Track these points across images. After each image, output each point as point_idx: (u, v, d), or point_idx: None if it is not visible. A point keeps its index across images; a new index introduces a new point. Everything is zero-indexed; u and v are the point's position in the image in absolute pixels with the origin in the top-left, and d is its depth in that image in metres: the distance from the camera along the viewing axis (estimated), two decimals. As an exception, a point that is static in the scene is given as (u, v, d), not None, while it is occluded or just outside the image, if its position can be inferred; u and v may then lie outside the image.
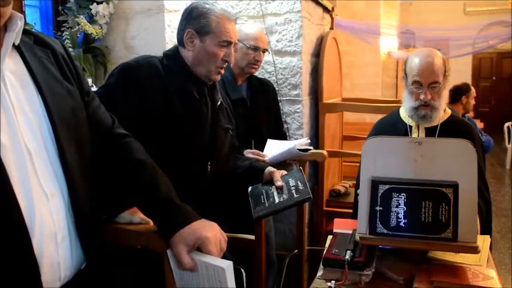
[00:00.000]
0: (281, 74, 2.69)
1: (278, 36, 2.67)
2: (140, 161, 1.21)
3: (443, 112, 1.92)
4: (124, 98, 1.50)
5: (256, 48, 2.26)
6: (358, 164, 1.53)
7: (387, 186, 1.34)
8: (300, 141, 2.18)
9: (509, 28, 4.47)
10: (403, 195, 1.33)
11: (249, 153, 2.02)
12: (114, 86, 1.54)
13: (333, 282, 1.33)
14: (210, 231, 1.09)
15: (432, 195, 1.31)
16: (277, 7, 2.64)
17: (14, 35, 0.93)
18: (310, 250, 2.44)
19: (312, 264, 2.44)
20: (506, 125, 7.27)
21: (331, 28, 3.19)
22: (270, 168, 1.72)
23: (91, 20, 2.34)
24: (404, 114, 2.01)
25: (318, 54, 2.91)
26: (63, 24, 2.37)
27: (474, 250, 1.28)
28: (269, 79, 2.63)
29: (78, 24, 2.28)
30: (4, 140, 0.86)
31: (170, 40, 2.33)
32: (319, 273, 1.41)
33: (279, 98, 2.62)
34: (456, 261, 1.40)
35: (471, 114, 4.76)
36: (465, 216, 1.29)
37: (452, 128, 1.90)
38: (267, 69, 2.70)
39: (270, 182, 1.67)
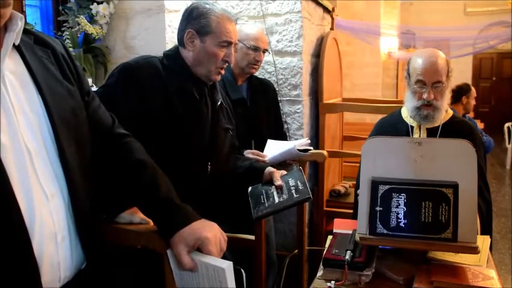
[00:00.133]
0: (281, 74, 2.69)
1: (278, 36, 2.67)
2: (140, 161, 1.21)
3: (445, 113, 1.92)
4: (124, 98, 1.50)
5: (256, 49, 2.26)
6: (358, 164, 1.53)
7: (387, 187, 1.34)
8: (300, 142, 2.18)
9: (509, 28, 4.47)
10: (403, 196, 1.33)
11: (249, 153, 2.02)
12: (114, 86, 1.54)
13: (333, 282, 1.33)
14: (210, 231, 1.09)
15: (432, 196, 1.31)
16: (278, 7, 2.65)
17: (14, 35, 0.93)
18: (310, 250, 2.44)
19: (312, 264, 2.44)
20: (506, 125, 7.27)
21: (332, 28, 3.19)
22: (269, 169, 1.72)
23: (91, 20, 2.34)
24: (406, 114, 2.01)
25: (318, 55, 2.92)
26: (64, 24, 2.37)
27: (474, 250, 1.28)
28: (269, 79, 2.63)
29: (79, 24, 2.28)
30: (4, 140, 0.86)
31: (170, 40, 2.33)
32: (319, 273, 1.41)
33: (279, 98, 2.62)
34: (456, 262, 1.40)
35: (471, 114, 4.75)
36: (465, 217, 1.29)
37: (454, 129, 1.90)
38: (267, 69, 2.70)
39: (270, 182, 1.67)
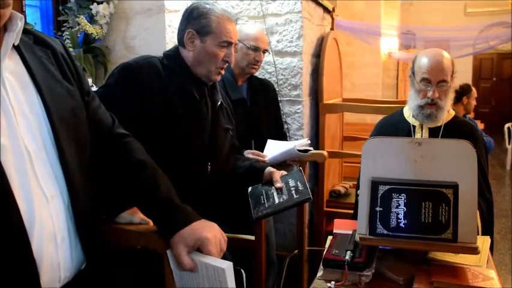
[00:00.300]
0: (281, 74, 2.69)
1: (278, 36, 2.67)
2: (140, 161, 1.21)
3: (447, 113, 1.93)
4: (124, 98, 1.50)
5: (256, 49, 2.26)
6: (358, 165, 1.53)
7: (387, 187, 1.34)
8: (300, 142, 2.18)
9: (509, 29, 4.46)
10: (403, 196, 1.33)
11: (249, 153, 2.02)
12: (114, 86, 1.54)
13: (333, 282, 1.33)
14: (210, 231, 1.09)
15: (432, 196, 1.31)
16: (278, 7, 2.65)
17: (14, 36, 0.92)
18: (310, 250, 2.44)
19: (312, 264, 2.44)
20: (506, 125, 7.27)
21: (332, 29, 3.19)
22: (269, 169, 1.72)
23: (91, 20, 2.34)
24: (408, 113, 2.01)
25: (318, 55, 2.91)
26: (64, 24, 2.37)
27: (474, 251, 1.28)
28: (269, 79, 2.63)
29: (79, 24, 2.28)
30: (4, 142, 0.86)
31: (170, 40, 2.33)
32: (319, 273, 1.40)
33: (279, 99, 2.62)
34: (456, 262, 1.40)
35: (472, 114, 4.75)
36: (465, 217, 1.29)
37: (456, 129, 1.90)
38: (267, 69, 2.70)
39: (270, 182, 1.67)
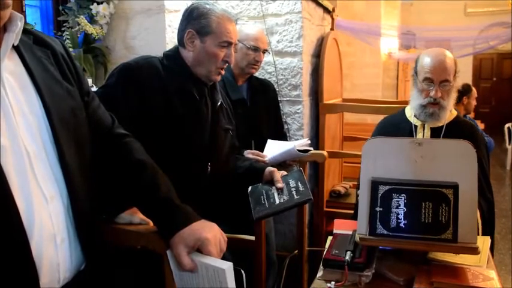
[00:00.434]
0: (281, 74, 2.69)
1: (278, 36, 2.67)
2: (140, 161, 1.21)
3: (450, 113, 1.93)
4: (124, 98, 1.50)
5: (256, 49, 2.26)
6: (358, 165, 1.53)
7: (387, 187, 1.34)
8: (300, 142, 2.18)
9: (509, 29, 4.46)
10: (403, 196, 1.33)
11: (249, 153, 2.01)
12: (114, 86, 1.54)
13: (333, 283, 1.33)
14: (210, 232, 1.09)
15: (432, 196, 1.31)
16: (278, 8, 2.64)
17: (14, 36, 0.92)
18: (310, 251, 2.44)
19: (312, 265, 2.44)
20: (506, 125, 7.27)
21: (332, 29, 3.18)
22: (270, 168, 1.71)
23: (91, 20, 2.34)
24: (409, 113, 2.01)
25: (318, 55, 2.91)
26: (64, 24, 2.37)
27: (474, 251, 1.28)
28: (269, 80, 2.63)
29: (79, 24, 2.28)
30: (4, 143, 0.86)
31: (170, 40, 2.33)
32: (319, 274, 1.40)
33: (279, 99, 2.62)
34: (456, 262, 1.40)
35: (472, 114, 4.75)
36: (465, 217, 1.29)
37: (458, 129, 1.91)
38: (267, 69, 2.70)
39: (270, 182, 1.66)
